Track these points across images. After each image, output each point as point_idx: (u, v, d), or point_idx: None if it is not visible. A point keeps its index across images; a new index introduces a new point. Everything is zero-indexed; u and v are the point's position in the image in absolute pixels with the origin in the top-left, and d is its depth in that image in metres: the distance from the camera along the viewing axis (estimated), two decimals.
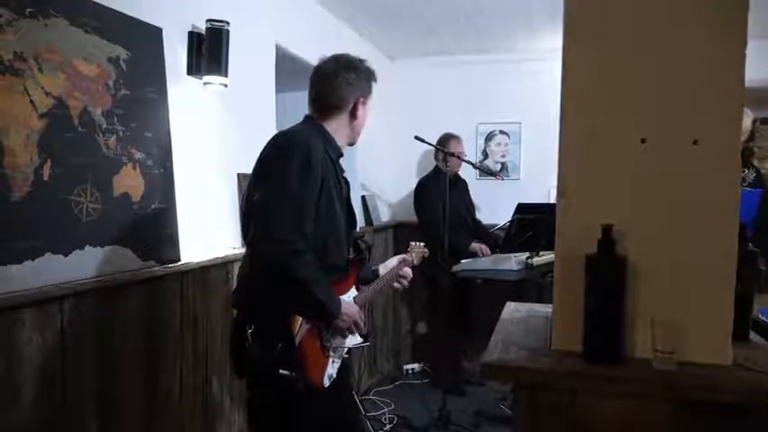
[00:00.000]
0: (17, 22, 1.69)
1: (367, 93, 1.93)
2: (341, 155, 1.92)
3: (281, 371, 1.64)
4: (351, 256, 1.97)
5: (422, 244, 2.28)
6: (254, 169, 1.80)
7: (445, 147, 3.94)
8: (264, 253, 1.67)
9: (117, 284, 1.98)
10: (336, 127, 1.89)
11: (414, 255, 2.21)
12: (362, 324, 1.86)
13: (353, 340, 1.89)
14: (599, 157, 1.31)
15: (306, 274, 1.65)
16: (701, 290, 1.25)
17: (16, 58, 1.68)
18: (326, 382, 1.79)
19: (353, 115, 1.90)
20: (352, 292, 1.94)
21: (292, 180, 1.65)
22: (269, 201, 1.66)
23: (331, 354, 1.82)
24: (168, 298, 2.26)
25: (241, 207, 1.94)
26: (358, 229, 2.12)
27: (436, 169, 4.17)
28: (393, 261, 2.14)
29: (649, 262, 1.27)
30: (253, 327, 1.68)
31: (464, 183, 4.33)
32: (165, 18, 2.34)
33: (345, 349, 1.87)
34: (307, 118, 1.91)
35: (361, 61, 1.94)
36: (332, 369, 1.82)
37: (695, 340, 1.24)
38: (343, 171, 1.93)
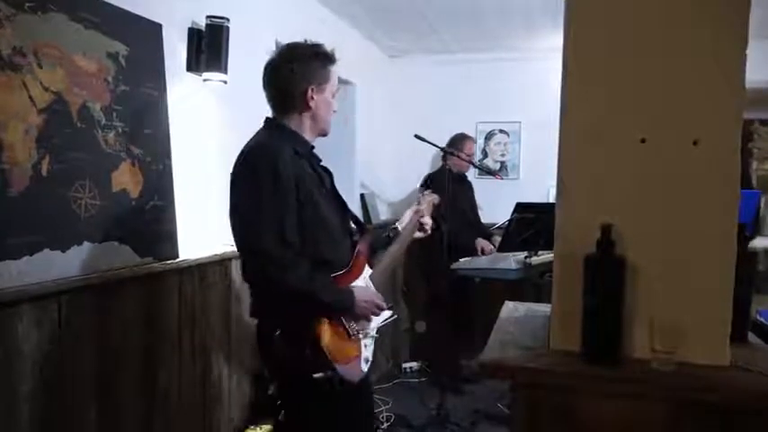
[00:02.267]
0: (16, 16, 1.69)
1: (321, 79, 1.76)
2: (312, 147, 1.83)
3: (314, 375, 1.63)
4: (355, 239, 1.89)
5: (429, 191, 2.26)
6: (230, 185, 1.73)
7: (457, 146, 3.94)
8: (254, 272, 1.65)
9: (115, 281, 1.98)
10: (298, 122, 1.78)
11: (424, 201, 2.19)
12: (383, 303, 1.82)
13: (379, 318, 1.85)
14: (598, 157, 1.31)
15: (300, 285, 1.60)
16: (699, 290, 1.25)
17: (15, 53, 1.68)
18: (365, 367, 1.78)
19: (307, 106, 1.75)
20: (366, 272, 1.87)
21: (263, 194, 1.59)
22: (246, 219, 1.62)
23: (361, 338, 1.77)
24: (166, 295, 2.26)
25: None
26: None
27: (444, 167, 4.16)
28: (407, 214, 2.13)
29: (648, 262, 1.27)
30: (279, 331, 1.66)
31: (469, 182, 4.33)
32: (165, 14, 2.33)
33: (375, 329, 1.85)
34: (267, 120, 1.84)
35: (311, 46, 1.77)
36: (367, 352, 1.80)
37: (694, 341, 1.24)
38: (319, 160, 1.85)
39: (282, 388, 1.83)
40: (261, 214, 1.58)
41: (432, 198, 2.22)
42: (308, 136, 1.81)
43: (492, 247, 3.87)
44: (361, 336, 1.77)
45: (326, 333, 1.66)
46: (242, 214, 1.64)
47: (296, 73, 1.72)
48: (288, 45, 1.79)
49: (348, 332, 1.73)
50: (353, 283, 1.79)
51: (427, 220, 2.11)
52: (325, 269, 1.71)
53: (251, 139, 1.79)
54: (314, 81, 1.74)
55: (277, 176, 1.60)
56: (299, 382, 1.69)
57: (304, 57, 1.74)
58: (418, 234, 2.11)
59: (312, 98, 1.74)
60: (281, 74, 1.73)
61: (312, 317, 1.65)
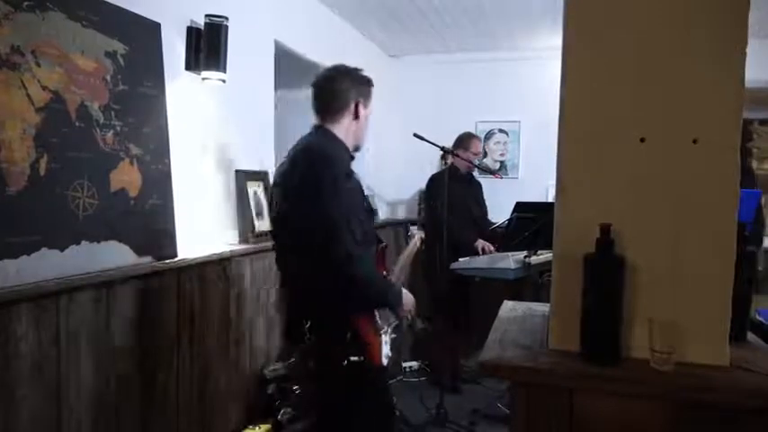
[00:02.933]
0: (14, 15, 1.69)
1: (366, 97, 2.03)
2: (353, 158, 2.03)
3: (351, 358, 1.84)
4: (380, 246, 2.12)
5: (415, 228, 2.64)
6: (285, 190, 1.91)
7: (464, 145, 3.93)
8: (336, 264, 1.78)
9: (113, 280, 1.98)
10: (345, 132, 1.99)
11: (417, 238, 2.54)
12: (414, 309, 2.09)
13: (390, 319, 2.08)
14: (598, 156, 1.30)
15: (367, 272, 1.85)
16: (699, 290, 1.25)
17: (13, 52, 1.68)
18: (386, 362, 1.98)
19: (356, 116, 2.00)
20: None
21: (342, 193, 1.80)
22: (327, 217, 1.77)
23: (383, 335, 1.98)
24: (165, 294, 2.25)
25: (272, 216, 2.06)
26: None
27: (451, 165, 4.15)
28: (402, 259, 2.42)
29: (647, 262, 1.27)
30: (309, 323, 1.85)
31: (477, 183, 4.29)
32: (164, 13, 2.33)
33: (391, 328, 2.07)
34: (317, 128, 2.01)
35: (357, 69, 2.05)
36: (386, 349, 1.99)
37: (693, 341, 1.24)
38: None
39: (310, 377, 2.02)
40: (335, 216, 1.77)
41: (419, 234, 2.57)
42: (348, 145, 2.01)
43: (492, 247, 3.86)
44: (383, 334, 1.98)
45: (363, 324, 1.89)
46: (316, 216, 1.78)
47: (351, 86, 1.99)
48: (340, 64, 2.06)
49: (375, 328, 1.95)
50: None
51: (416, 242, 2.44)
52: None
53: (305, 145, 1.96)
54: (362, 97, 2.01)
55: (345, 176, 1.85)
56: (334, 367, 1.87)
57: (357, 75, 2.03)
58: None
59: (360, 110, 2.00)
60: (339, 84, 1.98)
61: (353, 310, 1.87)
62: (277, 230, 2.00)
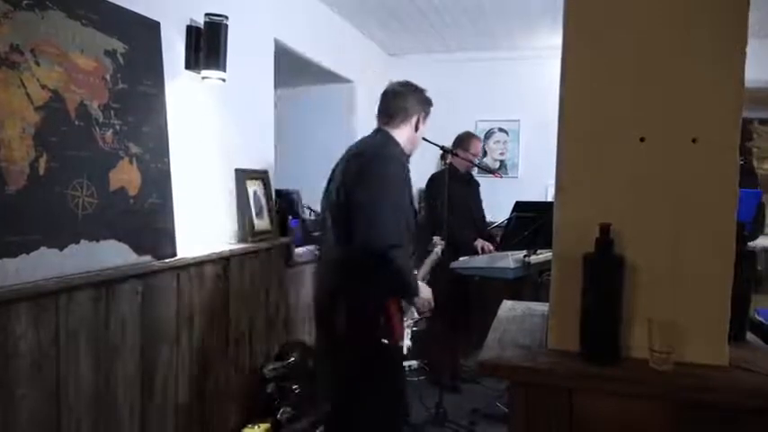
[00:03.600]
0: (14, 14, 1.68)
1: (426, 112, 2.34)
2: (408, 160, 2.29)
3: (383, 340, 2.08)
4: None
5: (437, 239, 2.81)
6: (347, 176, 2.13)
7: (463, 145, 3.92)
8: (375, 247, 1.99)
9: (113, 279, 1.97)
10: (404, 138, 2.27)
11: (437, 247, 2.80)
12: (432, 304, 2.30)
13: (415, 315, 2.34)
14: (597, 156, 1.30)
15: (403, 263, 2.05)
16: (698, 290, 1.25)
17: (12, 51, 1.67)
18: (405, 350, 2.25)
19: (416, 128, 2.30)
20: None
21: (394, 188, 2.06)
22: (377, 207, 2.01)
23: (407, 327, 2.26)
24: (164, 293, 2.25)
25: (324, 208, 2.28)
26: None
27: (450, 165, 4.14)
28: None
29: (647, 261, 1.27)
30: (347, 307, 2.08)
31: (476, 183, 4.29)
32: (163, 11, 2.33)
33: (413, 322, 2.34)
34: (379, 131, 2.29)
35: (424, 89, 2.37)
36: (407, 340, 2.27)
37: (692, 340, 1.24)
38: None
39: (343, 354, 2.20)
40: (390, 205, 2.01)
41: (441, 245, 2.88)
42: (405, 150, 2.29)
43: (491, 247, 3.86)
44: (406, 326, 2.25)
45: (394, 311, 2.12)
46: (377, 205, 2.01)
47: (416, 101, 2.30)
48: (411, 83, 2.36)
49: (402, 316, 2.20)
50: None
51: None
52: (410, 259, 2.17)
53: (366, 141, 2.30)
54: (424, 112, 2.34)
55: (402, 175, 2.13)
56: (365, 345, 2.10)
57: (422, 94, 2.34)
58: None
59: (420, 122, 2.32)
60: (407, 98, 2.29)
61: (387, 296, 2.11)
62: (331, 217, 2.20)
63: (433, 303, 2.29)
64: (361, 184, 2.06)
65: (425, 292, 2.25)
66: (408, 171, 2.23)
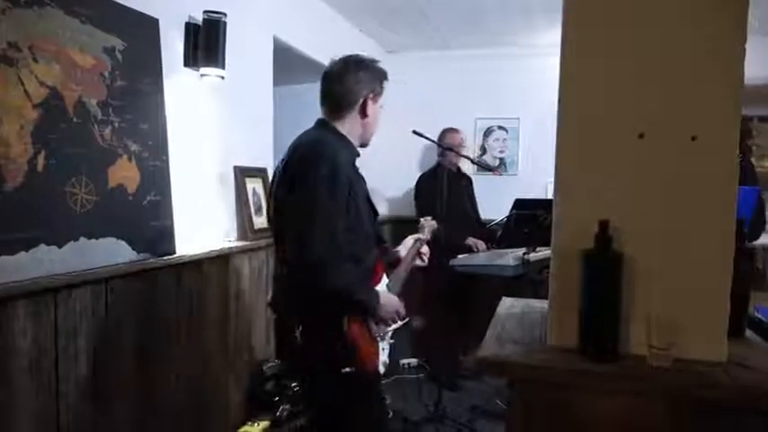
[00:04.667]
0: (11, 11, 1.68)
1: (377, 91, 1.91)
2: (358, 155, 1.93)
3: (343, 370, 1.73)
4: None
5: (429, 218, 2.34)
6: (280, 179, 1.80)
7: (441, 140, 3.92)
8: (303, 274, 1.71)
9: (111, 276, 1.97)
10: (349, 127, 1.89)
11: (426, 230, 2.28)
12: (403, 311, 1.93)
13: (394, 324, 1.96)
14: (596, 153, 1.30)
15: (342, 283, 1.70)
16: (697, 286, 1.25)
17: (10, 48, 1.67)
18: (382, 369, 1.91)
19: (364, 113, 1.88)
20: (384, 280, 1.98)
21: (322, 196, 1.66)
22: (303, 220, 1.67)
23: (379, 342, 1.89)
24: (163, 290, 2.25)
25: (268, 213, 1.97)
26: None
27: (437, 164, 4.15)
28: (409, 241, 2.20)
29: (646, 258, 1.27)
30: (301, 327, 1.74)
31: (468, 179, 4.30)
32: (162, 8, 2.32)
33: (390, 333, 1.96)
34: (320, 122, 1.92)
35: (373, 61, 1.94)
36: (384, 356, 1.92)
37: (691, 337, 1.24)
38: (357, 168, 1.94)
39: (305, 381, 1.92)
40: (320, 219, 1.65)
41: (431, 224, 2.31)
42: (354, 142, 1.91)
43: (484, 244, 3.85)
44: (380, 340, 1.88)
45: (356, 332, 1.76)
46: (303, 219, 1.67)
47: (360, 80, 1.86)
48: (352, 55, 1.93)
49: (370, 334, 1.84)
50: (376, 288, 1.90)
51: (425, 250, 2.21)
52: (359, 269, 1.79)
53: (304, 137, 1.86)
54: (373, 91, 1.89)
55: (335, 177, 1.69)
56: (326, 376, 1.77)
57: (368, 67, 1.90)
58: (418, 263, 2.19)
59: (369, 106, 1.88)
60: (347, 78, 1.86)
61: (342, 316, 1.74)
62: (272, 226, 1.92)
63: (402, 311, 1.93)
64: (288, 193, 1.75)
65: (389, 302, 1.87)
66: (353, 165, 1.87)
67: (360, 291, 1.78)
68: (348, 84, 1.86)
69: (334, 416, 1.84)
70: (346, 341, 1.74)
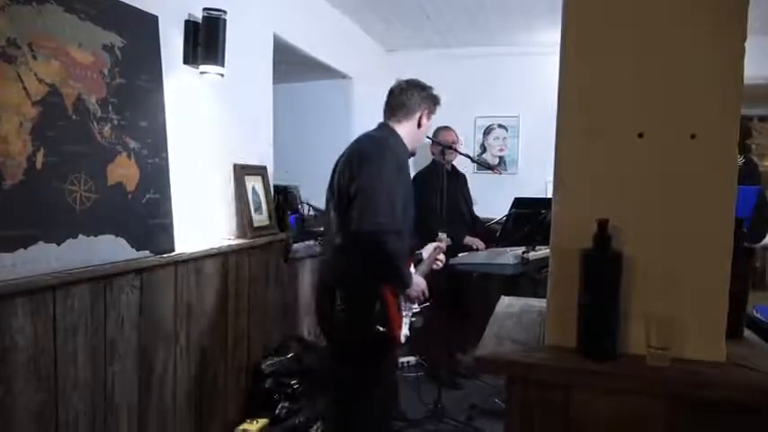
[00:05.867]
0: (10, 7, 1.68)
1: (431, 110, 2.41)
2: (412, 154, 2.39)
3: (378, 327, 2.12)
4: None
5: (445, 235, 2.73)
6: (346, 166, 2.17)
7: (435, 138, 3.92)
8: (367, 231, 2.04)
9: (110, 274, 1.97)
10: (406, 133, 2.34)
11: (443, 242, 2.69)
12: (426, 294, 2.34)
13: (419, 303, 2.36)
14: (596, 152, 1.30)
15: (395, 248, 2.09)
16: (695, 286, 1.25)
17: (9, 45, 1.67)
18: (403, 339, 2.28)
19: (419, 124, 2.36)
20: (412, 269, 2.38)
21: (389, 177, 2.10)
22: (369, 191, 2.06)
23: (404, 316, 2.28)
24: (162, 288, 2.25)
25: (327, 199, 2.31)
26: None
27: (433, 162, 4.15)
28: (430, 247, 2.60)
29: (645, 257, 1.27)
30: (345, 295, 2.13)
31: (463, 177, 4.30)
32: (162, 6, 2.32)
33: (412, 312, 2.34)
34: (382, 125, 2.37)
35: (431, 87, 2.43)
36: (405, 329, 2.29)
37: (689, 337, 1.24)
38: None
39: (340, 341, 2.27)
40: (385, 192, 2.07)
41: (447, 240, 2.72)
42: (407, 146, 2.36)
43: (482, 244, 3.85)
44: (404, 315, 2.27)
45: (390, 300, 2.17)
46: (371, 191, 2.07)
47: (420, 98, 2.37)
48: (417, 80, 2.43)
49: (399, 307, 2.24)
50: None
51: (442, 258, 2.61)
52: (404, 246, 2.21)
53: (368, 134, 2.34)
54: (429, 109, 2.40)
55: (398, 166, 2.18)
56: (362, 332, 2.15)
57: (428, 91, 2.41)
58: (434, 267, 2.60)
59: (424, 119, 2.38)
60: (411, 94, 2.36)
61: (382, 284, 2.15)
62: (333, 206, 2.23)
63: (427, 293, 2.33)
64: (357, 171, 2.12)
65: (418, 281, 2.30)
66: (406, 163, 2.28)
67: (402, 263, 2.19)
68: (412, 99, 2.35)
69: (361, 371, 2.18)
70: (384, 303, 2.13)
